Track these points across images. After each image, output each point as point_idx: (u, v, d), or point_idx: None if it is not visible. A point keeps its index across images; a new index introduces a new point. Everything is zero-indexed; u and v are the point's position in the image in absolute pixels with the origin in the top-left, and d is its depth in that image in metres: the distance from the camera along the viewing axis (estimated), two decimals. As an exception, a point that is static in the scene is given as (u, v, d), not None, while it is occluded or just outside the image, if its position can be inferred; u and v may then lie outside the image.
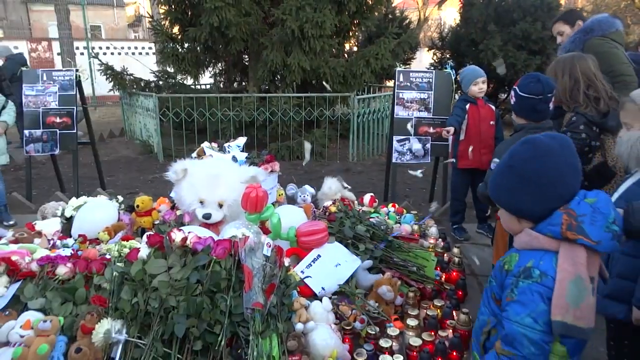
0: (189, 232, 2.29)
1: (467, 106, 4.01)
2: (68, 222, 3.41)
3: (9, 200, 4.57)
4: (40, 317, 2.06)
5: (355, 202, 4.02)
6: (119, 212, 3.46)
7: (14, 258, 2.39)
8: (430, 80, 4.81)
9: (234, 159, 3.71)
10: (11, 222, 4.34)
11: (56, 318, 2.05)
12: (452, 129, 3.98)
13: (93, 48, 14.12)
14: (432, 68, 12.60)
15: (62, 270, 2.34)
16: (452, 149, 4.31)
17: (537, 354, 1.24)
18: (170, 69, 8.72)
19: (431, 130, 4.79)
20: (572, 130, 2.69)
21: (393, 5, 13.30)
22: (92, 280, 2.31)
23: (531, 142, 1.32)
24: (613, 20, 3.31)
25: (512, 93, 2.60)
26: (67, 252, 2.72)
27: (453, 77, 4.86)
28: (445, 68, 4.96)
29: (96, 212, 3.33)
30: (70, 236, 3.23)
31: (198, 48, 8.54)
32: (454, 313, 2.57)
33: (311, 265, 2.65)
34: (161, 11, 8.48)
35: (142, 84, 8.67)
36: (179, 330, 1.92)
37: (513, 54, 10.20)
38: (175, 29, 8.59)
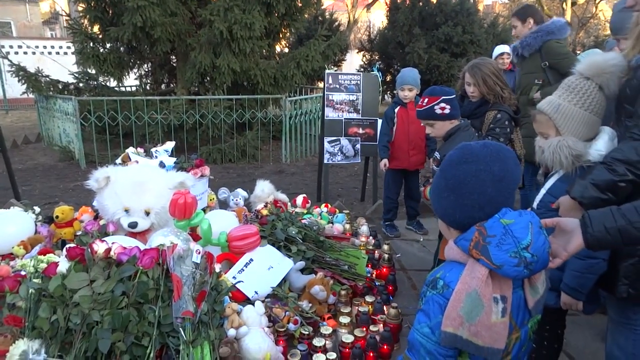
0: (112, 243, 2.19)
1: (397, 109, 4.15)
2: (-24, 237, 3.14)
3: None
4: (-56, 344, 1.89)
5: (289, 203, 4.05)
6: (35, 224, 3.23)
7: None
8: (359, 82, 4.93)
9: (162, 164, 3.60)
10: None
11: (-37, 343, 1.89)
12: (385, 162, 4.16)
13: (2, 47, 13.04)
14: (362, 70, 12.94)
15: (-30, 290, 2.16)
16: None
17: None
18: (92, 70, 8.26)
19: (360, 130, 4.92)
20: (500, 127, 2.95)
21: (322, 7, 13.47)
22: (4, 299, 2.14)
23: (461, 147, 1.31)
24: (567, 26, 3.72)
25: (443, 104, 2.70)
26: (-24, 270, 2.50)
27: (380, 79, 5.03)
28: (373, 70, 5.11)
29: (9, 225, 3.08)
30: (-20, 253, 2.98)
31: (121, 48, 8.19)
32: (385, 308, 2.66)
33: (243, 270, 2.64)
34: (79, 9, 8.01)
35: (60, 86, 8.14)
36: (104, 345, 1.84)
37: (437, 56, 10.73)
38: (96, 28, 8.15)
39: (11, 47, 13.91)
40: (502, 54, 5.72)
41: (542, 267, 1.22)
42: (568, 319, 2.16)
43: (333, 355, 2.21)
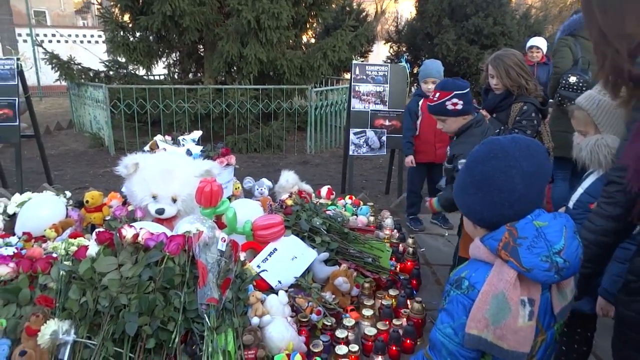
0: (140, 228, 2.23)
1: (421, 102, 4.07)
2: (11, 219, 3.24)
3: (-55, 197, 4.28)
4: (-20, 321, 1.96)
5: (313, 194, 4.04)
6: (67, 208, 3.32)
7: (-51, 259, 2.26)
8: (386, 73, 4.87)
9: (189, 152, 3.63)
10: (-52, 221, 4.07)
11: (-2, 321, 1.96)
12: (411, 158, 4.07)
13: (37, 35, 13.39)
14: (389, 61, 12.78)
15: (4, 270, 2.22)
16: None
17: None
18: (121, 59, 8.40)
19: (387, 122, 4.86)
20: (527, 119, 2.87)
21: (350, -3, 13.36)
22: (37, 280, 2.21)
23: (488, 142, 1.27)
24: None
25: (455, 99, 2.53)
26: (10, 251, 2.59)
27: (408, 71, 4.95)
28: (401, 61, 5.04)
29: (42, 209, 3.18)
30: (14, 234, 3.07)
31: (150, 37, 8.28)
32: (408, 302, 2.63)
33: (267, 259, 2.65)
34: (110, -2, 8.14)
35: (91, 74, 8.32)
36: (131, 328, 1.87)
37: (466, 48, 10.51)
38: (126, 17, 8.27)
39: (45, 35, 14.26)
40: (532, 47, 5.56)
41: (573, 273, 1.18)
42: (598, 321, 2.09)
43: (355, 347, 2.20)
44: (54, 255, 2.43)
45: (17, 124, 4.81)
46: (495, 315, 1.12)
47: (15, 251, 2.60)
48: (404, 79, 4.93)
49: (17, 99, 4.81)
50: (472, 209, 1.27)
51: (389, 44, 13.44)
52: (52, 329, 1.87)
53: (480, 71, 10.22)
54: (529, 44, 5.66)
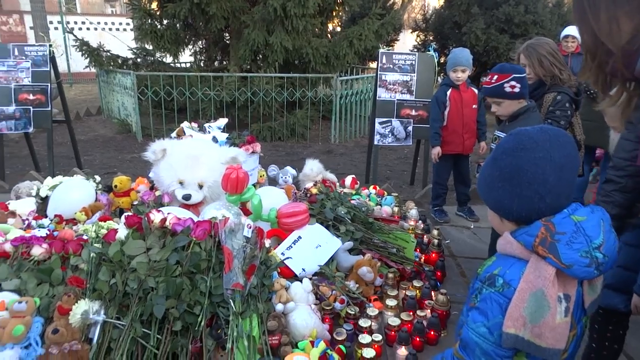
0: (168, 213, 2.26)
1: (449, 91, 3.99)
2: (43, 202, 3.34)
3: (-19, 179, 4.44)
4: (15, 298, 2.03)
5: (337, 183, 4.03)
6: (96, 192, 3.40)
7: (-14, 238, 2.33)
8: (413, 62, 4.79)
9: (215, 139, 3.66)
10: (-16, 202, 4.21)
11: (32, 299, 2.02)
12: (438, 150, 4.01)
13: (68, 23, 13.65)
14: (415, 50, 12.58)
15: (38, 251, 2.29)
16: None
17: None
18: (149, 46, 8.50)
19: (413, 112, 4.80)
20: (560, 109, 2.82)
21: (377, -15, 13.14)
22: (68, 261, 2.27)
23: (517, 133, 1.22)
24: None
25: (514, 82, 2.54)
26: (43, 232, 2.67)
27: (436, 60, 4.86)
28: (429, 50, 4.95)
29: (73, 192, 3.26)
30: (46, 216, 3.16)
31: (177, 25, 8.34)
32: (433, 293, 2.61)
33: (292, 247, 2.65)
34: (139, -15, 8.22)
35: (120, 61, 8.45)
36: (158, 311, 1.91)
37: (496, 37, 10.26)
38: (154, 5, 8.35)
39: (75, 23, 14.53)
40: (566, 36, 5.38)
41: (610, 267, 1.14)
42: (630, 319, 2.04)
43: (379, 337, 2.20)
44: (85, 237, 2.48)
45: (49, 109, 4.94)
46: (534, 314, 1.09)
47: (48, 233, 2.67)
48: (431, 68, 4.85)
49: (49, 84, 4.93)
50: (500, 203, 1.23)
51: (416, 32, 13.22)
52: (83, 308, 1.92)
53: (510, 60, 10.00)
54: (564, 32, 5.48)
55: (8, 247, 2.34)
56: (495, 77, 2.60)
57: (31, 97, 4.87)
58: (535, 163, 1.15)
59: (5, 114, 4.85)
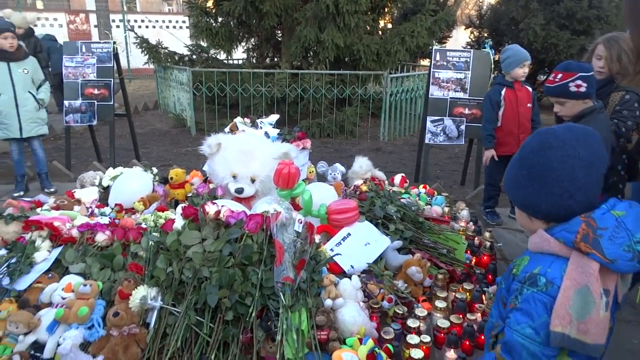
0: (222, 206, 2.33)
1: (503, 91, 3.85)
2: (105, 191, 3.52)
3: (49, 168, 4.73)
4: (80, 281, 2.16)
5: (386, 182, 4.00)
6: (153, 184, 3.54)
7: (56, 224, 2.50)
8: (468, 60, 4.67)
9: (266, 135, 3.73)
10: (52, 190, 4.50)
11: (95, 283, 2.14)
12: (492, 153, 3.86)
13: (129, 21, 14.29)
14: (469, 47, 12.24)
15: (101, 237, 2.43)
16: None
17: None
18: (204, 43, 8.75)
19: (466, 111, 4.68)
20: (628, 109, 2.68)
21: (431, -19, 12.87)
22: (129, 248, 2.39)
23: (543, 132, 1.24)
24: None
25: (579, 81, 2.41)
26: (105, 220, 2.81)
27: (492, 58, 4.71)
28: (484, 47, 4.81)
29: (132, 183, 3.42)
30: (107, 205, 3.33)
31: (232, 22, 8.53)
32: (484, 297, 2.54)
33: (341, 243, 2.66)
34: (196, -16, 8.48)
35: (176, 58, 8.75)
36: (212, 300, 1.97)
37: (555, 33, 9.80)
38: (210, 3, 8.58)
39: (135, 21, 15.17)
40: None
41: None
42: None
43: (427, 338, 2.16)
44: (144, 226, 2.60)
45: (112, 103, 5.20)
46: (580, 310, 1.10)
47: (110, 220, 2.82)
48: (487, 66, 4.71)
49: (112, 80, 5.18)
50: (528, 202, 1.24)
51: (469, 29, 12.85)
52: (142, 294, 2.02)
53: (570, 59, 9.53)
54: None
55: (75, 232, 2.49)
56: (560, 75, 2.46)
57: (96, 91, 5.14)
58: (563, 161, 1.17)
59: (73, 108, 5.14)
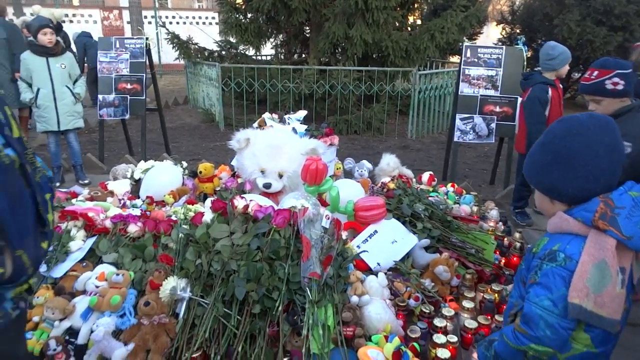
0: (250, 200, 2.35)
1: (550, 91, 3.73)
2: (136, 183, 3.60)
3: (83, 160, 4.87)
4: (113, 271, 2.22)
5: (413, 179, 3.96)
6: (183, 177, 3.60)
7: (90, 214, 2.57)
8: (500, 56, 4.58)
9: (294, 130, 3.74)
10: (86, 181, 4.64)
11: (127, 272, 2.19)
12: None
13: (160, 17, 14.55)
14: (501, 44, 11.98)
15: (133, 228, 2.49)
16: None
17: (553, 338, 1.22)
18: (233, 39, 8.83)
19: (497, 109, 4.59)
20: None
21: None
22: (160, 239, 2.44)
23: (567, 119, 1.30)
24: None
25: (617, 78, 2.34)
26: (137, 211, 2.88)
27: (525, 54, 4.60)
28: (517, 44, 4.70)
29: (163, 176, 3.49)
30: (138, 197, 3.41)
31: (261, 19, 8.57)
32: (512, 299, 2.49)
33: (367, 240, 2.65)
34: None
35: (206, 54, 8.85)
36: (239, 292, 2.00)
37: (591, 30, 9.49)
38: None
39: (166, 17, 15.42)
40: None
41: None
42: None
43: (454, 338, 2.14)
44: (174, 218, 2.65)
45: (144, 97, 5.31)
46: (597, 284, 1.16)
47: (141, 212, 2.88)
48: (520, 63, 4.60)
49: (144, 75, 5.29)
50: (554, 186, 1.29)
51: (501, 25, 12.58)
52: (172, 285, 2.06)
53: (608, 54, 9.20)
54: None
55: (108, 223, 2.56)
56: (596, 72, 2.39)
57: (129, 86, 5.26)
58: (589, 146, 1.23)
59: (106, 102, 5.28)
